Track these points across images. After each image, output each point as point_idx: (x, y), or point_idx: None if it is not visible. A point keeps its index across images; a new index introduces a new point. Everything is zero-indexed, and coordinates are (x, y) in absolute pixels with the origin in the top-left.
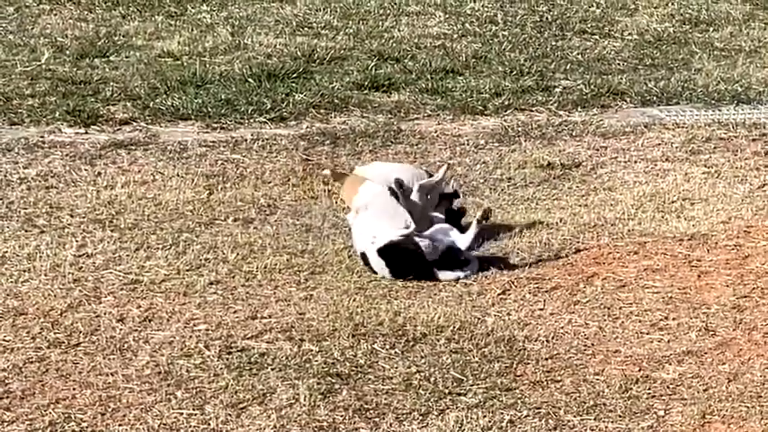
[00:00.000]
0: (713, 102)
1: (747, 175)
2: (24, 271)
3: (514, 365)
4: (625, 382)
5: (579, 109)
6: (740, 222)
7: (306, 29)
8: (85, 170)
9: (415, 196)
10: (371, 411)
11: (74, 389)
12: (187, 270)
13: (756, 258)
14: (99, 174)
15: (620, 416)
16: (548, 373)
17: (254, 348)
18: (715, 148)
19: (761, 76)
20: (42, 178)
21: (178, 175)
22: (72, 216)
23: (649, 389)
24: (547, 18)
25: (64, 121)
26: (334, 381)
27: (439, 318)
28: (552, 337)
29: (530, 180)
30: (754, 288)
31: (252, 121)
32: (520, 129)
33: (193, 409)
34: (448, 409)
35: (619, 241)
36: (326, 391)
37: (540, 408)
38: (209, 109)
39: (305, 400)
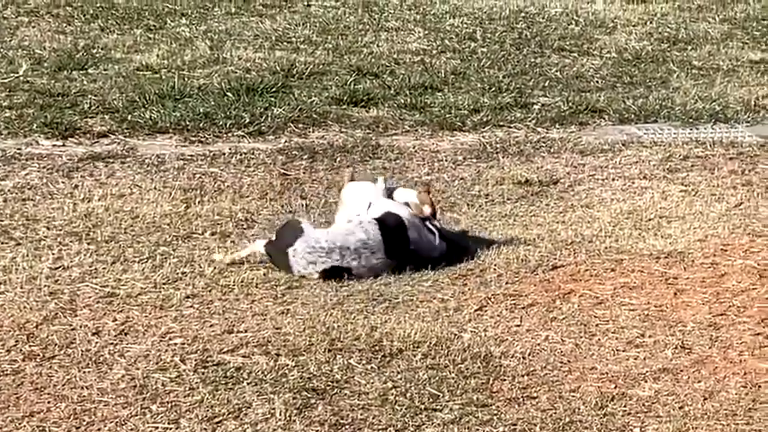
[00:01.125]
0: (691, 120)
1: (724, 194)
2: (0, 283)
3: (491, 382)
4: (601, 400)
5: (557, 126)
6: (717, 240)
7: (285, 43)
8: (62, 182)
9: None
10: (347, 427)
11: (48, 402)
12: (164, 283)
13: (732, 277)
14: (76, 186)
15: None
16: (524, 389)
17: (229, 362)
18: (692, 166)
19: (738, 95)
20: (19, 190)
21: (155, 189)
22: (48, 228)
23: (625, 406)
24: (526, 35)
25: (41, 134)
26: (310, 396)
27: (415, 333)
28: (529, 354)
29: (507, 196)
30: (730, 306)
31: (230, 134)
32: (498, 145)
33: (168, 423)
34: (424, 425)
35: (596, 258)
36: (302, 406)
37: (516, 424)
38: (188, 122)
39: (280, 414)
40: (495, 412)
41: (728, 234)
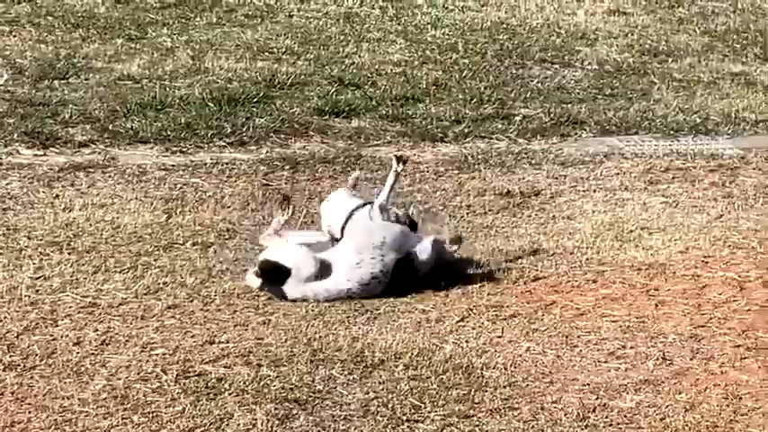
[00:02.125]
0: (672, 132)
1: (705, 206)
2: None
3: (472, 393)
4: (582, 411)
5: (539, 137)
6: (698, 252)
7: (266, 54)
8: (43, 192)
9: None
10: None
11: (29, 412)
12: (145, 294)
13: (713, 288)
14: (57, 196)
15: None
16: (505, 400)
17: (211, 373)
18: (673, 178)
19: (719, 107)
20: None
21: (137, 199)
22: (29, 238)
23: (607, 417)
24: (507, 47)
25: (22, 143)
26: (291, 406)
27: (397, 344)
28: (510, 365)
29: (489, 207)
30: (711, 318)
31: (211, 145)
32: (479, 156)
33: None
34: None
35: (577, 270)
36: (284, 417)
37: None
38: (169, 132)
39: (262, 425)
40: (477, 423)
41: (709, 246)
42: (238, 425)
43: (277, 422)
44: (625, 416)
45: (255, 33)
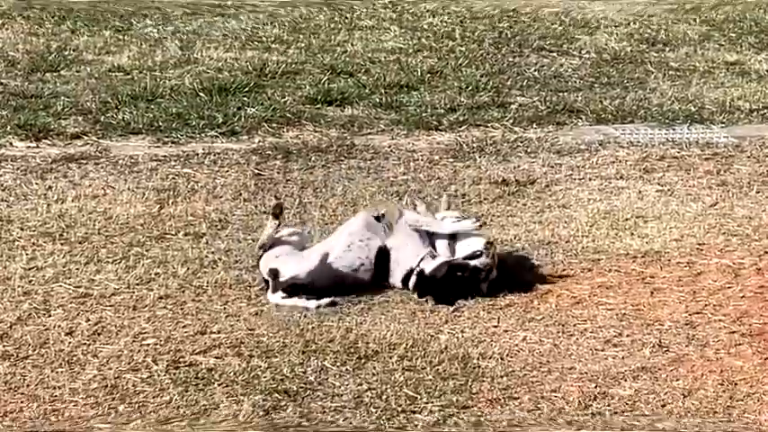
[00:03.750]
0: (667, 121)
1: (700, 194)
2: None
3: (469, 383)
4: (583, 399)
5: (534, 126)
6: (693, 240)
7: (255, 42)
8: (36, 184)
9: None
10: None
11: (21, 402)
12: (137, 284)
13: (708, 275)
14: (50, 187)
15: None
16: (504, 390)
17: (201, 363)
18: (668, 166)
19: (714, 96)
20: None
21: (129, 189)
22: (22, 229)
23: (609, 405)
24: (506, 34)
25: (15, 135)
26: (280, 397)
27: (391, 335)
28: (507, 355)
29: (484, 196)
30: (706, 305)
31: (203, 135)
32: (475, 145)
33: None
34: (404, 427)
35: (573, 258)
36: (271, 408)
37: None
38: (160, 123)
39: (245, 415)
40: (479, 413)
41: (704, 234)
42: (221, 415)
43: (262, 413)
44: (626, 403)
45: (240, 23)
